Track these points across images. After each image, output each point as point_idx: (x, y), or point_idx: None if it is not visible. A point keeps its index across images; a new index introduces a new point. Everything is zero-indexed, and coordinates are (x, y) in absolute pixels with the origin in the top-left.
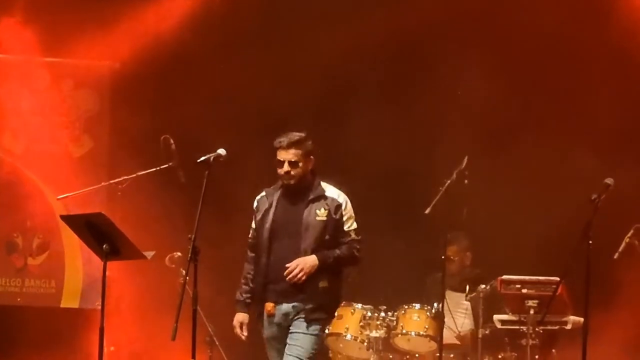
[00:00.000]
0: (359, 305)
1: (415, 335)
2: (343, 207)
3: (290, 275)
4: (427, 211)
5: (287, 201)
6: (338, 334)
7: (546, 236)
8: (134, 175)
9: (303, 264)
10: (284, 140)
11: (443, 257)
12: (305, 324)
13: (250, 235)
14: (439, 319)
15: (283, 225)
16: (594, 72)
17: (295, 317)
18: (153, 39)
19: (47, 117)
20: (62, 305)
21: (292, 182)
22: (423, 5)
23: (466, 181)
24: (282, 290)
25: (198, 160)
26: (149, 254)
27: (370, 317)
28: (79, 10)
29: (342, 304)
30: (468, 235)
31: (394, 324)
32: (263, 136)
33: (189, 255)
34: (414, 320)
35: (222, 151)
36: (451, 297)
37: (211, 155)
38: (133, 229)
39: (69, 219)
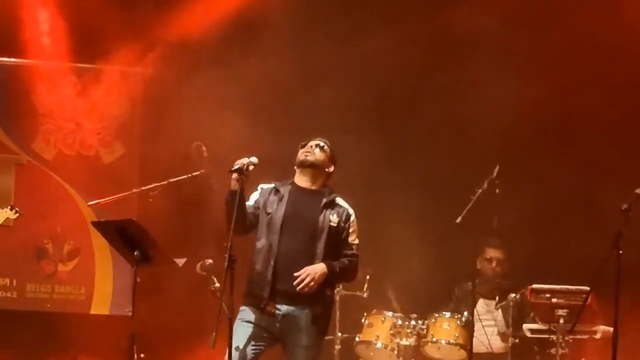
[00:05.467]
0: (390, 314)
1: (446, 343)
2: (352, 219)
3: (302, 285)
4: (458, 220)
5: (300, 199)
6: (368, 342)
7: (576, 245)
8: (165, 182)
9: (314, 273)
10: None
11: (477, 265)
12: (306, 333)
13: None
14: (469, 327)
15: (296, 222)
16: (627, 82)
17: (295, 323)
18: (185, 45)
19: (78, 123)
20: (92, 312)
21: (310, 159)
22: (452, 15)
23: (497, 190)
24: (288, 292)
25: (232, 169)
26: (180, 261)
27: (400, 325)
28: (110, 16)
29: (373, 312)
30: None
31: (424, 332)
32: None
33: (225, 263)
34: (444, 328)
35: (254, 159)
36: (481, 304)
37: (244, 162)
38: (164, 236)
39: (100, 226)
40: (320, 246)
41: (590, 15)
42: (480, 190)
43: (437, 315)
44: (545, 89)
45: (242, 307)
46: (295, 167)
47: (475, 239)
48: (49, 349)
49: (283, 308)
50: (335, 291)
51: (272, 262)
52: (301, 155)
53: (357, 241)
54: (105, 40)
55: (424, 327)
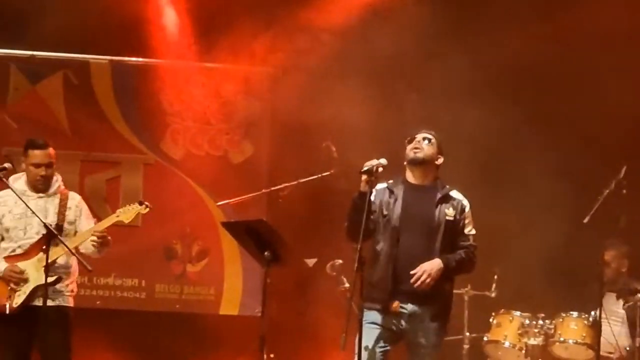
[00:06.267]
0: (518, 313)
1: (573, 343)
2: (467, 210)
3: (419, 282)
4: (585, 220)
5: (414, 197)
6: (497, 342)
7: None
8: (295, 183)
9: (430, 269)
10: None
11: (600, 263)
12: (429, 331)
13: None
14: (596, 327)
15: (413, 220)
16: None
17: (420, 322)
18: (314, 44)
19: (207, 123)
20: (221, 312)
21: (419, 155)
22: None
23: (624, 191)
24: (410, 290)
25: (362, 170)
26: (311, 262)
27: (528, 324)
28: (239, 15)
29: (501, 312)
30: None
31: (552, 331)
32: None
33: (355, 264)
34: (571, 328)
35: (383, 160)
36: (608, 302)
37: (374, 164)
38: (294, 236)
39: (230, 226)
40: (439, 241)
41: None
42: (607, 191)
43: (564, 314)
44: None
45: (365, 310)
46: (405, 164)
47: (601, 238)
48: (178, 349)
49: (408, 307)
50: (464, 290)
51: (392, 263)
52: (410, 152)
53: (473, 231)
54: (234, 39)
55: (552, 326)
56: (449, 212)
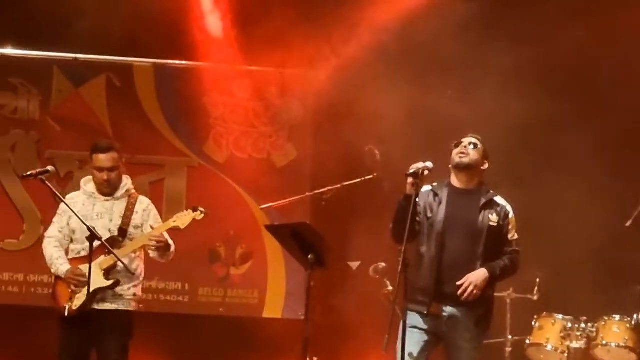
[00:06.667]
0: (560, 316)
1: (616, 346)
2: (510, 216)
3: (466, 294)
4: (628, 224)
5: (459, 201)
6: (539, 345)
7: None
8: (339, 186)
9: (476, 280)
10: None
11: None
12: (469, 335)
13: None
14: (638, 330)
15: (456, 224)
16: None
17: (460, 325)
18: (357, 47)
19: (250, 126)
20: (264, 315)
21: (465, 160)
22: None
23: None
24: (451, 294)
25: (407, 173)
26: (354, 265)
27: (570, 328)
28: (282, 18)
29: (543, 315)
30: None
31: (594, 335)
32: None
33: (399, 267)
34: (613, 331)
35: (429, 164)
36: None
37: (420, 167)
38: (337, 240)
39: (274, 229)
40: (481, 247)
41: None
42: None
43: (606, 318)
44: None
45: (409, 312)
46: (451, 167)
47: None
48: (221, 353)
49: (448, 310)
50: (506, 294)
51: (435, 266)
52: (456, 156)
53: (516, 237)
54: (277, 42)
55: (594, 329)
56: (493, 217)
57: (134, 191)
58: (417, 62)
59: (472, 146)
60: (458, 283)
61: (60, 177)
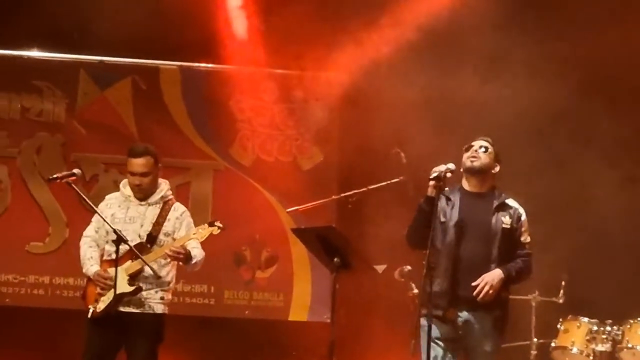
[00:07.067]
0: (585, 319)
1: None
2: (522, 218)
3: (482, 294)
4: None
5: (471, 204)
6: (564, 348)
7: None
8: (365, 189)
9: (491, 280)
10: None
11: None
12: (486, 339)
13: None
14: None
15: (470, 228)
16: None
17: (477, 329)
18: (383, 51)
19: (276, 129)
20: (290, 319)
21: (476, 164)
22: None
23: None
24: (467, 297)
25: (431, 176)
26: (380, 268)
27: (596, 331)
28: (308, 22)
29: (569, 318)
30: None
31: (620, 338)
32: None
33: (424, 270)
34: (639, 334)
35: (452, 166)
36: None
37: (442, 169)
38: (363, 243)
39: (300, 232)
40: (495, 249)
41: None
42: None
43: (632, 321)
44: None
45: (422, 320)
46: (462, 171)
47: None
48: (247, 355)
49: (464, 314)
50: (531, 297)
51: (450, 270)
52: (467, 160)
53: (529, 239)
54: (303, 46)
55: (619, 332)
56: (506, 220)
57: (171, 197)
58: (445, 63)
59: (483, 149)
60: (474, 284)
61: (85, 180)
